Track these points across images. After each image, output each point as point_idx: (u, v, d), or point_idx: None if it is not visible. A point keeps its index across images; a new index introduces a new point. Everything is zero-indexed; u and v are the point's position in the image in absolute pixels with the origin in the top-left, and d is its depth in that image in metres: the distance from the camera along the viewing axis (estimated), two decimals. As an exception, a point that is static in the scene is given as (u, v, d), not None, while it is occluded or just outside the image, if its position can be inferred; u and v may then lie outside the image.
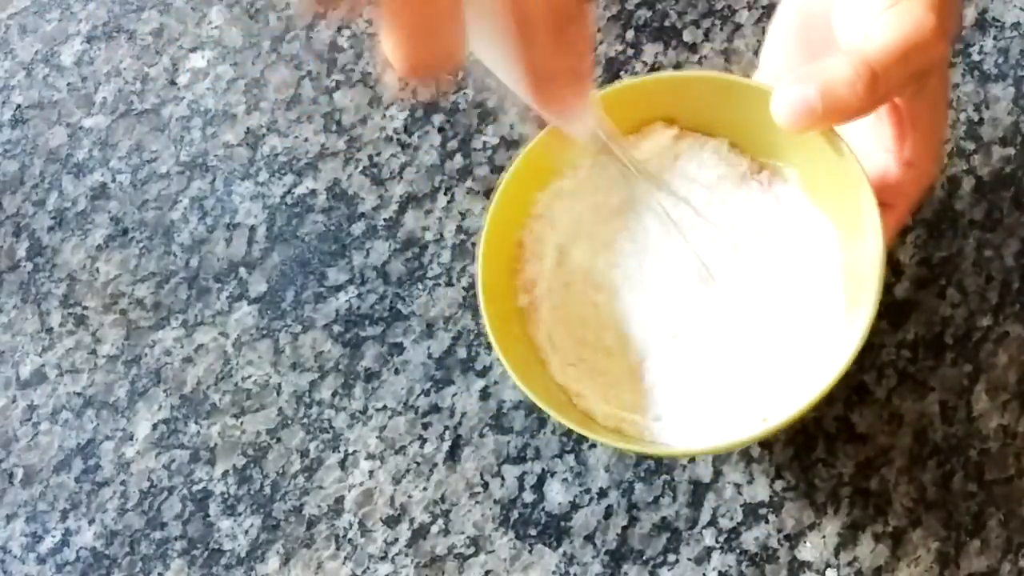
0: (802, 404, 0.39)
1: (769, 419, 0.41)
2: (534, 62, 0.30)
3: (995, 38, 0.55)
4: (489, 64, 0.32)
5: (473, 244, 0.54)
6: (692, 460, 0.49)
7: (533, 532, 0.48)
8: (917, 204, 0.44)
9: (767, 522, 0.47)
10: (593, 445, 0.49)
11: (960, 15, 0.41)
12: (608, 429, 0.43)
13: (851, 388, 0.49)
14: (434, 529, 0.49)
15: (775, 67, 0.46)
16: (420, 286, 0.54)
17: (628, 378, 0.44)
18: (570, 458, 0.49)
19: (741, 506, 0.48)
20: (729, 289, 0.45)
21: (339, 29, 0.60)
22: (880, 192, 0.42)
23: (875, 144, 0.43)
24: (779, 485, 0.48)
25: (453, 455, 0.50)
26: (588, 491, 0.49)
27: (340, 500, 0.50)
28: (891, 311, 0.50)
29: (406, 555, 0.49)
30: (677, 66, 0.57)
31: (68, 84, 0.62)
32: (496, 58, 0.31)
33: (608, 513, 0.48)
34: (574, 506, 0.49)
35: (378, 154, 0.57)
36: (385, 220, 0.56)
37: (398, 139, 0.57)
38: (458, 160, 0.56)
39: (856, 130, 0.42)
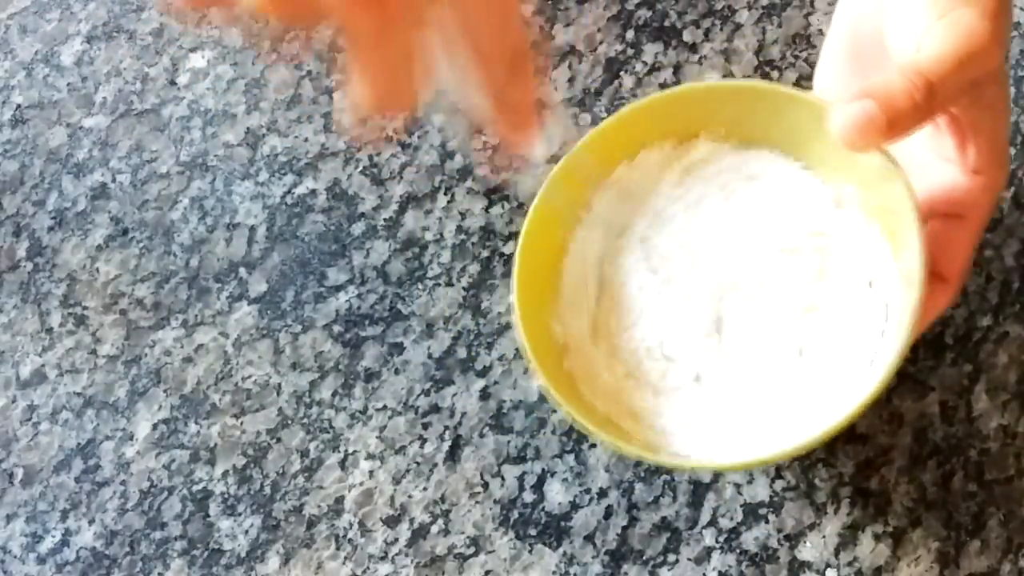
0: (820, 431, 0.40)
1: (794, 437, 0.41)
2: (495, 93, 0.33)
3: (995, 38, 0.55)
4: (454, 95, 0.35)
5: (473, 244, 0.54)
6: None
7: (533, 532, 0.48)
8: (990, 215, 0.44)
9: (767, 522, 0.47)
10: (593, 445, 0.49)
11: (1011, 18, 0.41)
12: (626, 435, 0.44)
13: (851, 388, 0.49)
14: (434, 529, 0.49)
15: (829, 87, 0.46)
16: (420, 286, 0.54)
17: (651, 389, 0.45)
18: (570, 458, 0.49)
19: (741, 506, 0.48)
20: (761, 310, 0.45)
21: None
22: (951, 205, 0.42)
23: (936, 156, 0.43)
24: (779, 485, 0.48)
25: (453, 455, 0.50)
26: (588, 491, 0.49)
27: (340, 500, 0.50)
28: (891, 311, 0.50)
29: (406, 555, 0.49)
30: (677, 66, 0.57)
31: (68, 84, 0.62)
32: (460, 91, 0.34)
33: (608, 513, 0.48)
34: (574, 506, 0.49)
35: (378, 154, 0.57)
36: (385, 220, 0.56)
37: (398, 139, 0.57)
38: (458, 160, 0.56)
39: (915, 144, 0.42)
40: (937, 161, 0.43)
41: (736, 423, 0.43)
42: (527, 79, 0.33)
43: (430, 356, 0.52)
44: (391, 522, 0.49)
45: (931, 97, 0.38)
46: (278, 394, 0.52)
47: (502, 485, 0.49)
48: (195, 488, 0.51)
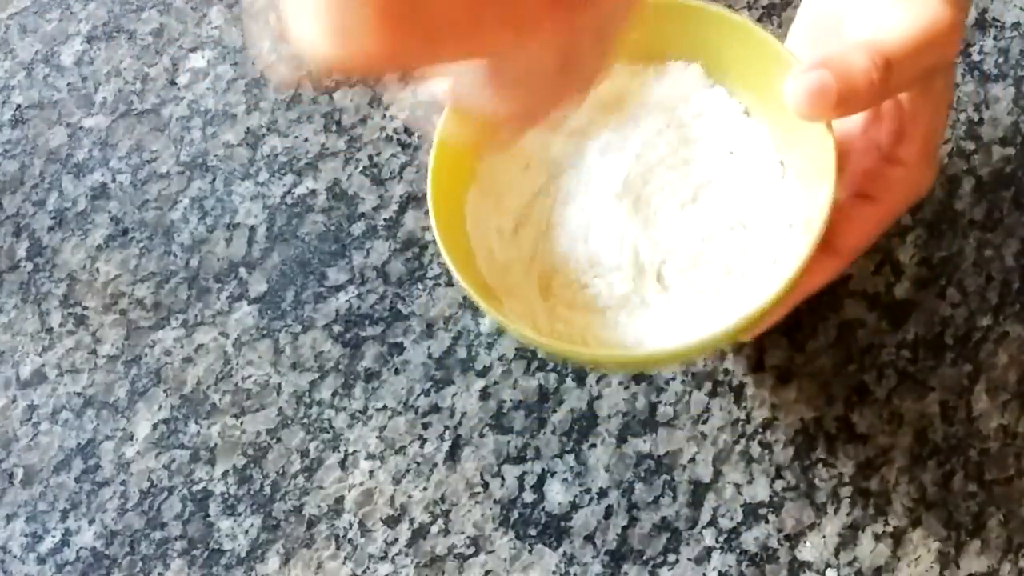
0: (763, 300, 0.40)
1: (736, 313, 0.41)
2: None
3: (995, 38, 0.55)
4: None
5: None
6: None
7: (533, 532, 0.48)
8: (906, 207, 0.44)
9: (767, 522, 0.47)
10: (593, 445, 0.49)
11: (969, 9, 0.41)
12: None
13: (851, 388, 0.49)
14: (434, 529, 0.49)
15: None
16: (420, 286, 0.54)
17: (592, 301, 0.45)
18: (570, 458, 0.49)
19: (741, 506, 0.48)
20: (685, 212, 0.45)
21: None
22: (868, 184, 0.42)
23: (866, 136, 0.43)
24: (779, 485, 0.48)
25: (453, 455, 0.50)
26: (588, 491, 0.49)
27: (340, 500, 0.50)
28: (891, 311, 0.50)
29: (406, 555, 0.49)
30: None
31: (68, 84, 0.62)
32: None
33: (608, 513, 0.48)
34: (574, 506, 0.49)
35: (378, 154, 0.57)
36: (385, 220, 0.56)
37: (398, 139, 0.57)
38: (458, 160, 0.56)
39: (848, 121, 0.42)
40: (867, 141, 0.43)
41: (647, 320, 0.44)
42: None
43: (430, 356, 0.52)
44: (391, 522, 0.49)
45: (888, 78, 0.38)
46: (278, 394, 0.52)
47: (502, 485, 0.49)
48: (195, 488, 0.51)
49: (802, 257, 0.39)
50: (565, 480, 0.49)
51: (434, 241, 0.54)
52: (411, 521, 0.49)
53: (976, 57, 0.55)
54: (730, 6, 0.58)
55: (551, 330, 0.44)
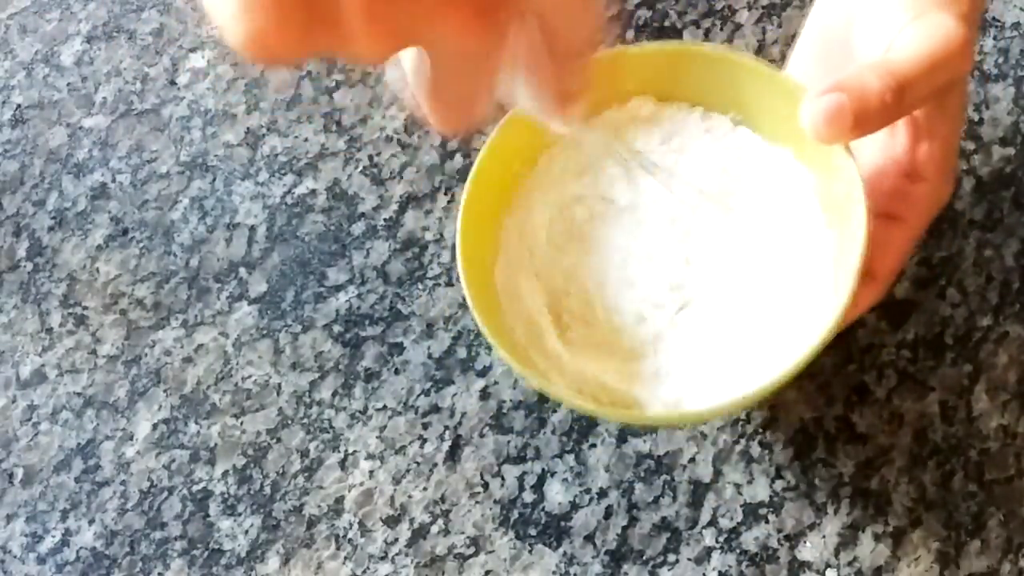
0: (788, 366, 0.40)
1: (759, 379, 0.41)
2: (547, 91, 0.32)
3: (995, 38, 0.56)
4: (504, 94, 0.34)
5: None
6: (698, 451, 0.49)
7: (533, 532, 0.48)
8: (930, 221, 0.44)
9: (767, 522, 0.47)
10: (593, 445, 0.49)
11: (979, 25, 0.41)
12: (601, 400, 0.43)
13: (851, 388, 0.49)
14: (434, 529, 0.49)
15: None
16: (420, 286, 0.54)
17: (620, 351, 0.45)
18: (570, 458, 0.49)
19: (741, 506, 0.48)
20: (713, 259, 0.45)
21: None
22: (893, 205, 0.42)
23: (886, 156, 0.43)
24: (779, 485, 0.48)
25: (453, 455, 0.50)
26: (588, 491, 0.49)
27: (340, 500, 0.50)
28: (891, 311, 0.50)
29: (406, 555, 0.49)
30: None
31: (68, 84, 0.62)
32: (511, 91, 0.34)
33: (608, 513, 0.48)
34: (574, 506, 0.49)
35: (378, 154, 0.57)
36: (385, 220, 0.56)
37: (398, 139, 0.57)
38: (458, 160, 0.56)
39: (867, 140, 0.42)
40: (886, 160, 0.43)
41: (705, 374, 0.43)
42: (577, 74, 0.31)
43: (430, 356, 0.52)
44: (391, 522, 0.49)
45: (901, 98, 0.38)
46: (278, 394, 0.52)
47: (502, 485, 0.49)
48: (195, 488, 0.51)
49: (846, 296, 0.40)
50: (565, 480, 0.49)
51: (434, 241, 0.55)
52: (411, 521, 0.49)
53: (976, 57, 0.55)
54: (731, 7, 0.58)
55: (581, 389, 0.44)
